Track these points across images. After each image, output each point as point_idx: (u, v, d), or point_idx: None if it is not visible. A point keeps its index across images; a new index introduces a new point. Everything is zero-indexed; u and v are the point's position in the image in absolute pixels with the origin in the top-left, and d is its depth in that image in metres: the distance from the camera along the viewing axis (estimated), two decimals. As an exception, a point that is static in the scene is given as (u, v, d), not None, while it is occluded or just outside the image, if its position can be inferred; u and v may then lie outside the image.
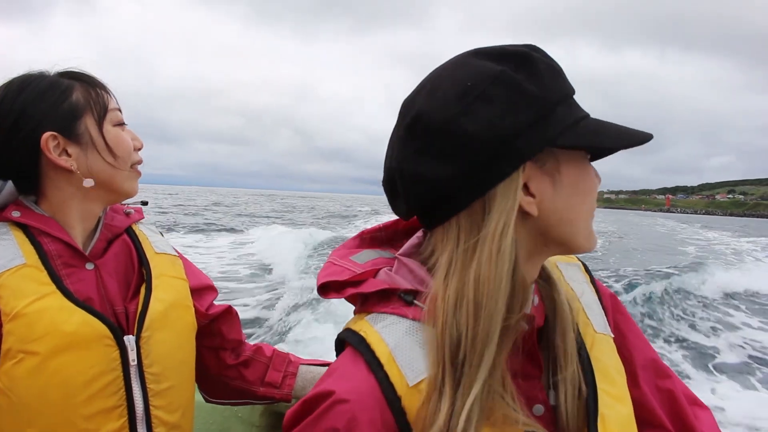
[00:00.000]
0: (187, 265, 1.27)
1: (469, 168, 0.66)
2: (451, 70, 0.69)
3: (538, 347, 0.74)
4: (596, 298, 0.84)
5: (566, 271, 0.84)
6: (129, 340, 1.05)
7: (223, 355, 1.32)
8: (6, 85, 1.05)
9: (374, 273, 0.76)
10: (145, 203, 1.26)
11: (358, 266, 0.77)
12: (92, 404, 1.00)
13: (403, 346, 0.68)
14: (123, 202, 1.21)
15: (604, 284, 0.90)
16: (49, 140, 1.03)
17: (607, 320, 0.83)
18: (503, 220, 0.66)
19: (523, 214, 0.68)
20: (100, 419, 1.01)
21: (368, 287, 0.73)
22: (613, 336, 0.82)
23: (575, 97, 0.71)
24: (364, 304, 0.74)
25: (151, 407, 1.07)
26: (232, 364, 1.32)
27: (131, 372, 1.04)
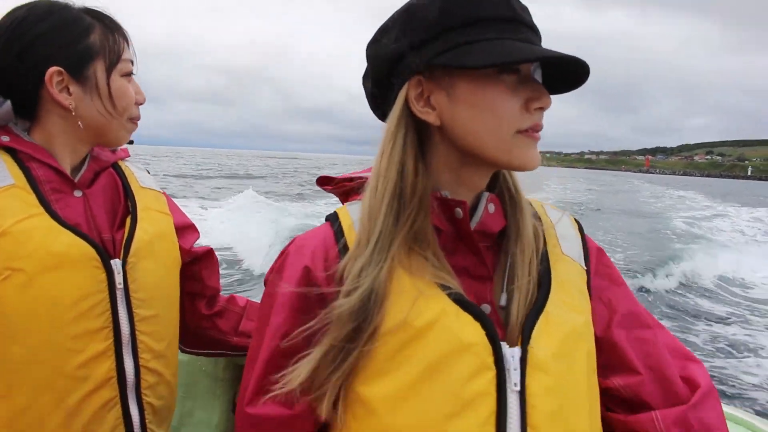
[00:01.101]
0: (170, 203, 1.26)
1: (376, 82, 0.82)
2: (406, 5, 0.81)
3: (496, 252, 0.82)
4: (579, 240, 0.89)
5: (548, 208, 0.91)
6: (116, 263, 1.04)
7: (199, 304, 1.31)
8: (31, 6, 1.03)
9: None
10: (130, 142, 1.21)
11: (358, 175, 0.92)
12: (78, 324, 0.99)
13: (358, 216, 0.81)
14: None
15: None
16: (54, 75, 1.02)
17: (588, 267, 0.87)
18: (392, 121, 0.78)
19: (433, 127, 0.79)
20: (85, 339, 1.00)
21: (350, 183, 0.91)
22: (585, 269, 0.86)
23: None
24: (353, 196, 0.89)
25: (137, 332, 1.05)
26: (207, 314, 1.31)
27: (117, 294, 1.04)
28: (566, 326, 0.78)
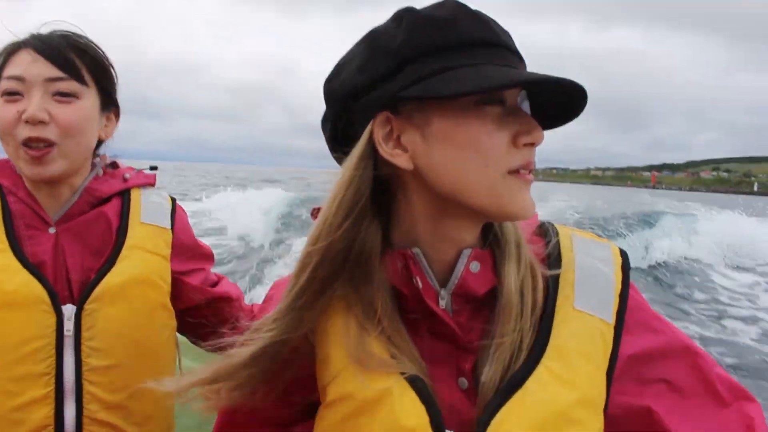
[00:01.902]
0: (183, 238, 1.17)
1: (334, 123, 0.70)
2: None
3: (486, 314, 0.69)
4: (611, 282, 0.71)
5: (581, 242, 0.75)
6: (67, 309, 0.98)
7: (219, 329, 1.12)
8: None
9: None
10: (154, 168, 1.18)
11: None
12: (19, 367, 0.95)
13: None
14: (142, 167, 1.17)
15: None
16: None
17: (621, 322, 0.70)
18: (347, 164, 0.66)
19: (409, 174, 0.67)
20: (25, 383, 0.95)
21: None
22: (611, 323, 0.69)
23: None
24: None
25: (84, 381, 0.99)
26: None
27: (65, 342, 0.97)
28: (549, 406, 0.63)
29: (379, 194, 0.69)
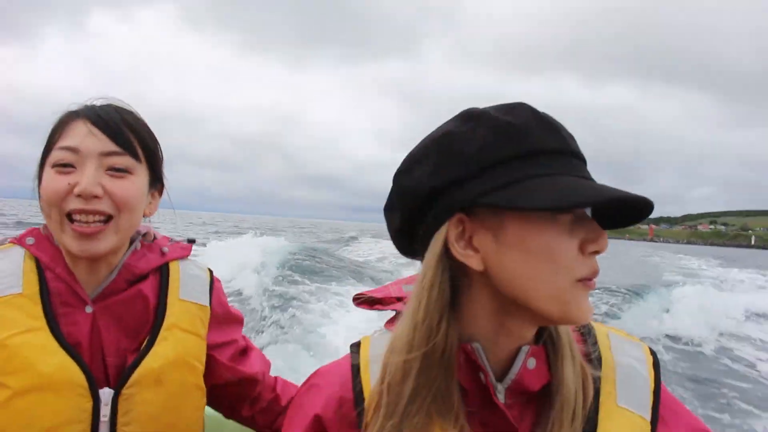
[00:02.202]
0: (219, 311, 1.14)
1: (407, 218, 0.73)
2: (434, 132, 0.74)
3: (537, 410, 0.73)
4: (648, 382, 0.76)
5: (617, 340, 0.79)
6: (104, 393, 0.95)
7: (239, 405, 1.21)
8: None
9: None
10: (192, 241, 1.17)
11: (400, 292, 0.87)
12: None
13: (380, 356, 0.75)
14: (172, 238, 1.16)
15: None
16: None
17: (655, 418, 0.74)
18: (429, 264, 0.69)
19: (476, 272, 0.69)
20: None
21: (380, 306, 0.89)
22: (649, 420, 0.73)
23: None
24: (386, 322, 0.86)
25: None
26: (246, 416, 1.22)
27: (101, 428, 0.94)
28: None
29: None
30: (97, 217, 0.95)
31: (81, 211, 0.94)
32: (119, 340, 0.99)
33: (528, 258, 0.66)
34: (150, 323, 1.02)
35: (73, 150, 0.95)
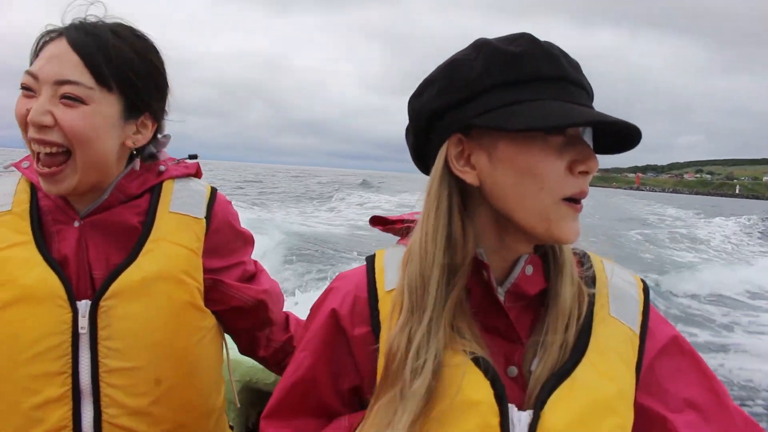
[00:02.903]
0: (222, 230, 1.10)
1: (415, 137, 0.81)
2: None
3: (534, 314, 0.79)
4: (638, 302, 0.83)
5: (610, 266, 0.86)
6: (81, 305, 0.95)
7: (254, 345, 1.23)
8: None
9: None
10: (193, 156, 1.14)
11: (412, 216, 0.90)
12: (36, 364, 0.92)
13: (393, 262, 0.83)
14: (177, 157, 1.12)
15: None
16: None
17: (644, 333, 0.80)
18: (433, 180, 0.77)
19: (475, 188, 0.76)
20: (42, 381, 0.93)
21: (397, 225, 0.93)
22: (638, 333, 0.80)
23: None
24: (399, 240, 0.92)
25: (101, 383, 0.95)
26: (262, 357, 1.25)
27: (81, 340, 0.94)
28: (593, 394, 0.73)
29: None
30: (49, 149, 0.94)
31: (37, 141, 0.94)
32: (108, 255, 0.98)
33: (516, 175, 0.72)
34: (137, 237, 0.99)
35: (33, 75, 0.94)
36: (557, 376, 0.73)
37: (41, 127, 0.93)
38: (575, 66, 0.74)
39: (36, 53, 0.97)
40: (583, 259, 0.86)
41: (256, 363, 1.44)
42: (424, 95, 0.78)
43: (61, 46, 0.94)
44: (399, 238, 0.94)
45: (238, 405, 1.37)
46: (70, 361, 0.93)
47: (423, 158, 0.82)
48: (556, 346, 0.75)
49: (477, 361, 0.73)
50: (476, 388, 0.72)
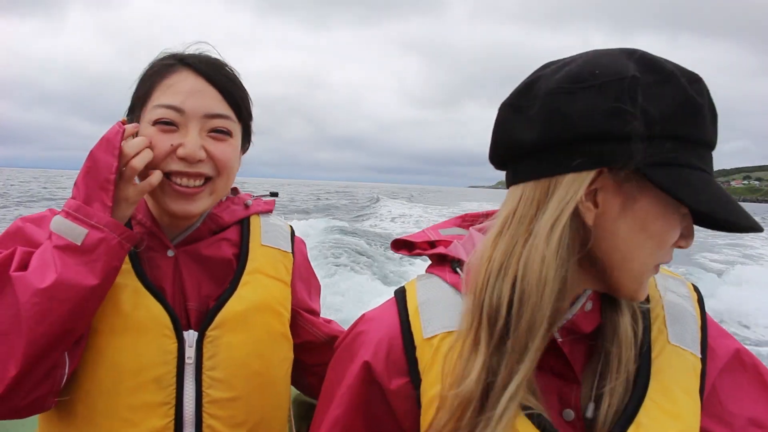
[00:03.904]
0: (302, 267, 1.13)
1: (548, 144, 0.66)
2: (597, 55, 0.67)
3: (587, 349, 0.74)
4: (696, 318, 0.78)
5: (662, 278, 0.80)
6: (189, 335, 0.94)
7: (306, 370, 1.19)
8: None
9: (450, 244, 0.81)
10: (275, 194, 1.17)
11: (438, 236, 0.84)
12: (138, 395, 0.91)
13: (430, 302, 0.76)
14: (254, 193, 1.13)
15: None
16: (123, 124, 0.93)
17: (705, 356, 0.75)
18: (558, 211, 0.65)
19: (581, 222, 0.66)
20: (144, 412, 0.91)
21: (426, 251, 0.83)
22: (700, 357, 0.75)
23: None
24: (429, 266, 0.83)
25: (204, 414, 0.94)
26: (307, 383, 1.22)
27: (186, 370, 0.93)
28: None
29: None
30: (198, 181, 0.96)
31: (183, 174, 0.94)
32: (201, 286, 0.99)
33: (642, 234, 0.66)
34: (233, 270, 1.01)
35: (177, 110, 0.94)
36: (621, 423, 0.68)
37: (195, 162, 0.94)
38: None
39: (158, 79, 0.96)
40: None
41: None
42: (579, 98, 0.64)
43: (195, 80, 0.96)
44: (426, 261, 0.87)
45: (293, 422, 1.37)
46: (174, 391, 0.92)
47: (518, 161, 0.70)
48: (617, 385, 0.70)
49: (531, 416, 0.67)
50: None
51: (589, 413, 0.70)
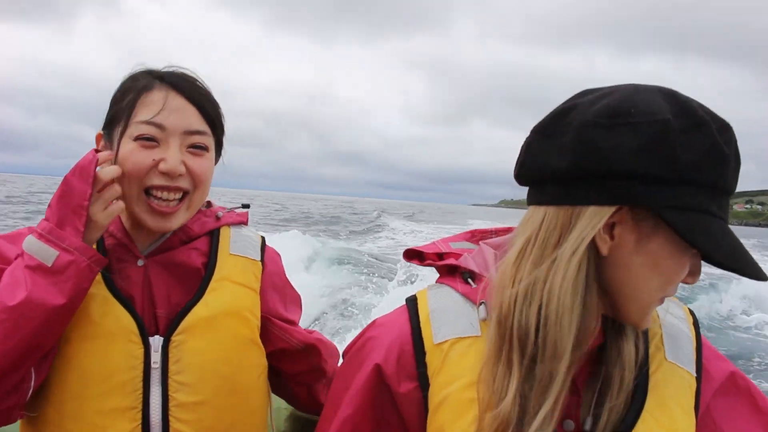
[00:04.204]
0: (274, 276, 1.15)
1: (578, 174, 0.68)
2: (635, 91, 0.69)
3: (590, 365, 0.76)
4: (691, 338, 0.81)
5: (664, 304, 0.79)
6: (154, 340, 0.98)
7: (315, 394, 1.23)
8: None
9: (459, 256, 0.84)
10: (246, 206, 1.20)
11: (448, 248, 0.87)
12: (106, 400, 0.94)
13: (441, 310, 0.79)
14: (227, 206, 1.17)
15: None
16: (99, 139, 1.04)
17: (700, 375, 0.78)
18: (580, 240, 0.68)
19: (596, 251, 0.70)
20: (111, 417, 0.94)
21: (436, 262, 0.86)
22: (695, 376, 0.78)
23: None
24: (439, 278, 0.86)
25: (171, 418, 0.97)
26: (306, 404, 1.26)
27: (152, 375, 0.97)
28: None
29: None
30: (176, 195, 1.00)
31: (163, 188, 0.98)
32: (170, 294, 1.02)
33: (652, 270, 0.69)
34: (200, 277, 1.04)
35: (158, 126, 0.97)
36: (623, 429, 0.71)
37: (176, 176, 0.98)
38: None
39: (138, 97, 0.99)
40: None
41: None
42: (616, 134, 0.66)
43: (175, 97, 1.00)
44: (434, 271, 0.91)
45: None
46: (141, 396, 0.95)
47: (543, 186, 0.73)
48: (616, 403, 0.73)
49: None
50: None
51: (588, 426, 0.73)
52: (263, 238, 1.19)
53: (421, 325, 0.78)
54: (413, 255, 0.89)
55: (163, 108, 0.98)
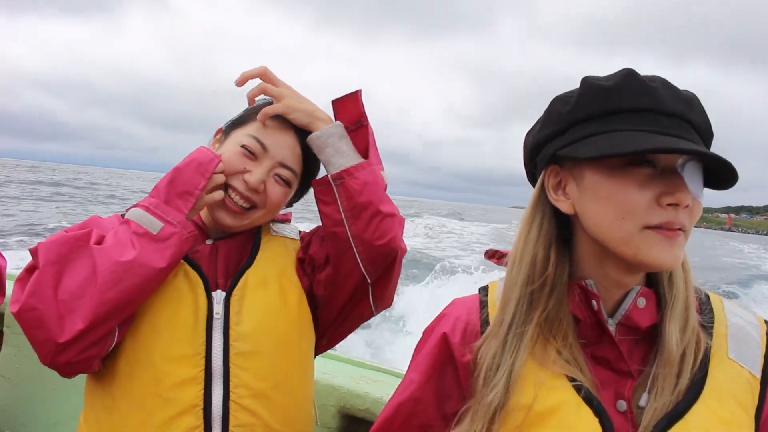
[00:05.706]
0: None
1: (525, 168, 0.87)
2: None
3: (648, 347, 0.77)
4: (760, 345, 0.78)
5: (731, 305, 0.83)
6: (217, 294, 1.09)
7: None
8: None
9: None
10: (289, 205, 1.30)
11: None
12: (173, 347, 1.03)
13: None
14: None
15: None
16: (218, 132, 1.23)
17: (765, 377, 0.76)
18: (528, 208, 0.82)
19: (573, 217, 0.79)
20: (177, 363, 1.03)
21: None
22: (758, 377, 0.76)
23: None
24: None
25: (231, 365, 1.05)
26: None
27: (214, 324, 1.06)
28: None
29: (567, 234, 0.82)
30: (246, 204, 1.14)
31: (238, 192, 1.13)
32: (229, 265, 1.15)
33: (600, 204, 0.73)
34: (251, 253, 1.18)
35: (263, 147, 1.13)
36: (669, 416, 0.71)
37: (252, 191, 1.13)
38: (680, 99, 0.72)
39: (255, 117, 1.15)
40: (701, 298, 0.83)
41: (350, 389, 1.64)
42: (535, 129, 0.83)
43: (289, 134, 1.15)
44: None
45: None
46: (204, 344, 1.04)
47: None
48: (668, 382, 0.73)
49: (579, 389, 0.73)
50: (585, 425, 0.71)
51: (643, 402, 0.74)
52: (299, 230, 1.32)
53: (489, 305, 0.85)
54: (492, 254, 0.96)
55: (275, 137, 1.14)
